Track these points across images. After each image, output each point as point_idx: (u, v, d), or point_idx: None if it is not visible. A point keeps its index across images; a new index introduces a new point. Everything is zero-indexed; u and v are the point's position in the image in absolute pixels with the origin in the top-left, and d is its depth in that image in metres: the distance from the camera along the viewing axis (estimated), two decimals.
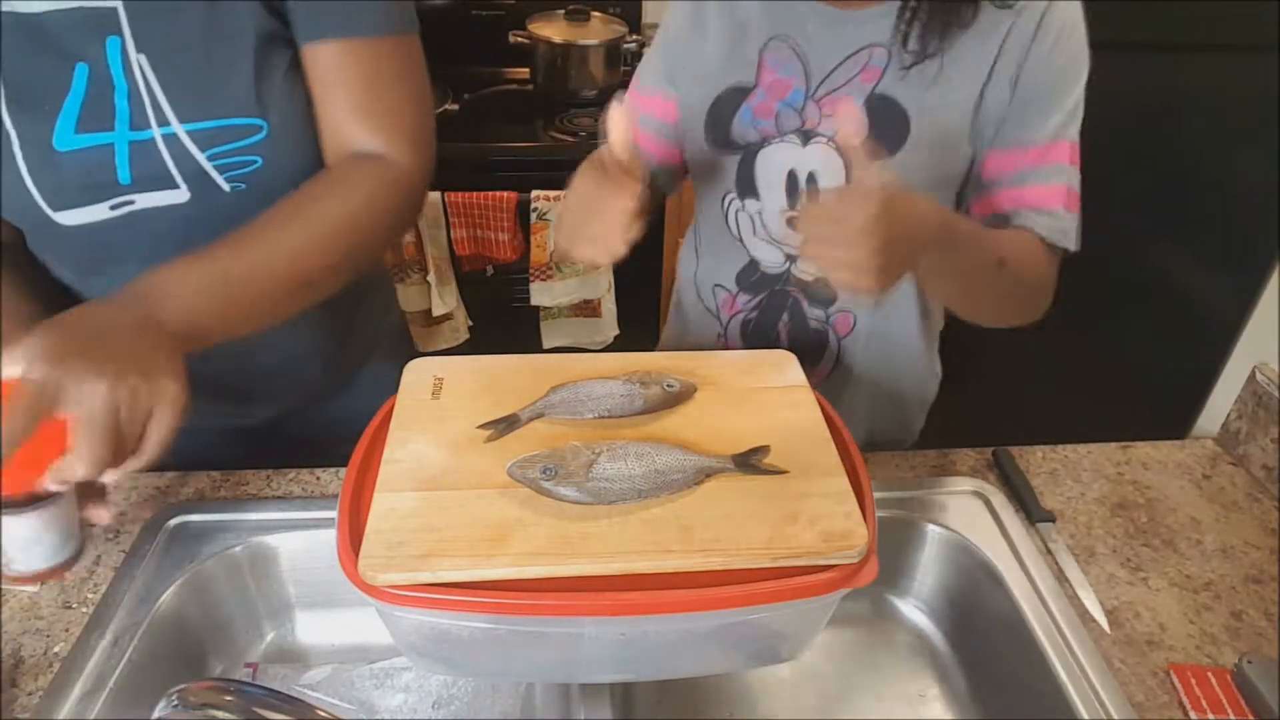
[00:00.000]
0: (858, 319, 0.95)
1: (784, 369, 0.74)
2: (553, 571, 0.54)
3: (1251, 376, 1.00)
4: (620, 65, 2.01)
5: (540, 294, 1.88)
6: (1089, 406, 1.81)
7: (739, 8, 0.88)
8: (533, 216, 1.78)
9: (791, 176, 0.88)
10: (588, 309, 1.95)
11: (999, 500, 0.88)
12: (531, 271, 1.85)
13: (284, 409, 0.97)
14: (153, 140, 0.72)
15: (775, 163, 0.88)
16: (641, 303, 1.99)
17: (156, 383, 0.58)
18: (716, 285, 1.00)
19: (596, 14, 2.02)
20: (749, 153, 0.89)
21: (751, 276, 0.96)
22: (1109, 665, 0.72)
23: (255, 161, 0.75)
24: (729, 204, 0.93)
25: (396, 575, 0.53)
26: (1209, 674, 0.72)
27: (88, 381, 0.55)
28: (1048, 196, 0.82)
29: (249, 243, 0.70)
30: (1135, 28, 1.51)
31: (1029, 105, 0.81)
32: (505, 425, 0.65)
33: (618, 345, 2.02)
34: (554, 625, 0.57)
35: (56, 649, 0.71)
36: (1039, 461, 0.95)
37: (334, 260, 0.75)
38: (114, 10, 0.69)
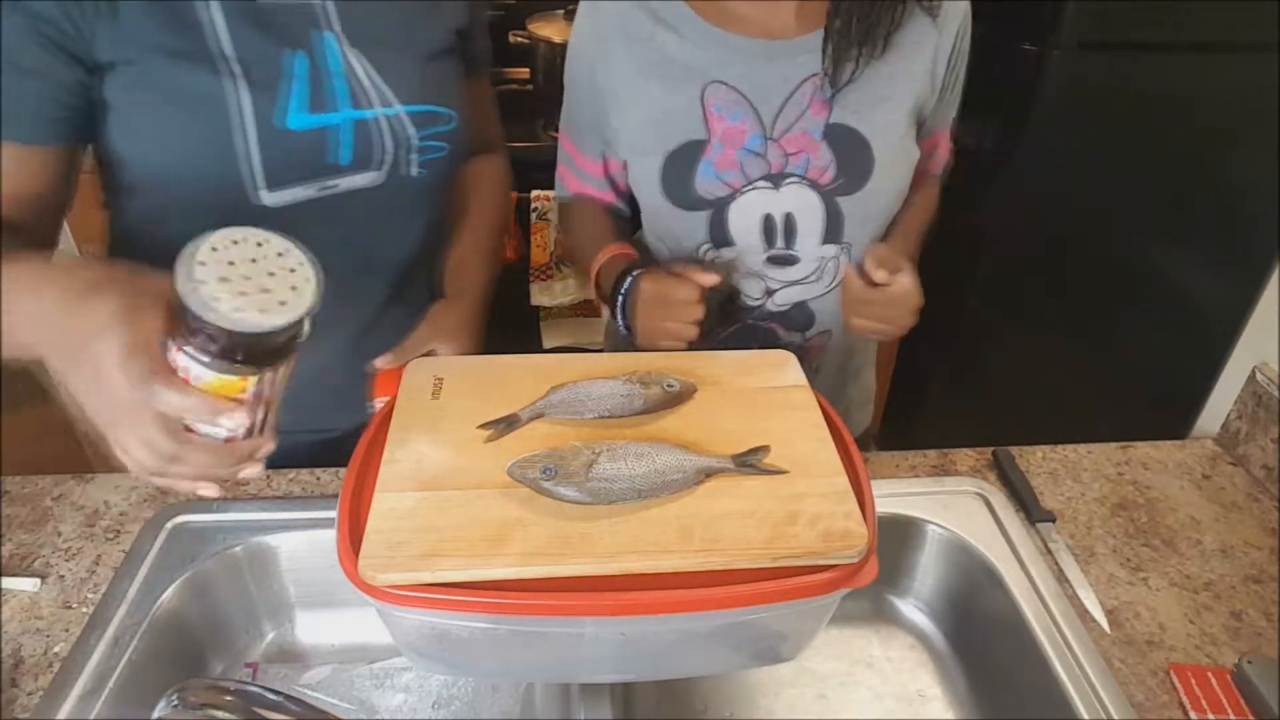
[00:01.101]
0: (833, 334, 0.96)
1: (784, 369, 0.74)
2: (553, 571, 0.54)
3: (1251, 376, 1.00)
4: None
5: (540, 294, 1.88)
6: (1089, 406, 1.81)
7: (665, 56, 0.84)
8: (533, 216, 1.78)
9: (768, 220, 0.87)
10: (588, 309, 1.95)
11: (999, 500, 0.88)
12: (531, 271, 1.85)
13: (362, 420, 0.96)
14: (375, 120, 0.78)
15: (749, 211, 0.87)
16: None
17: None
18: None
19: None
20: (719, 206, 0.87)
21: (728, 305, 0.94)
22: (1109, 665, 0.72)
23: (443, 149, 0.84)
24: (704, 253, 0.91)
25: (396, 575, 0.53)
26: (1209, 674, 0.72)
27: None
28: (946, 152, 0.99)
29: (480, 222, 0.94)
30: (1136, 28, 1.51)
31: (948, 97, 0.90)
32: (505, 425, 0.65)
33: None
34: (554, 625, 0.57)
35: (56, 649, 0.71)
36: (1039, 461, 0.95)
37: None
38: (323, 6, 0.75)
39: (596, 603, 0.54)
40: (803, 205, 0.86)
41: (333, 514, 0.59)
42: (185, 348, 0.49)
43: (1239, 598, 0.79)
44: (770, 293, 0.92)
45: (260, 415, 0.55)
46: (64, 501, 0.86)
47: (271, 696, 0.54)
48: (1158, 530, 0.86)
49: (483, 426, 0.65)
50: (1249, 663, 0.71)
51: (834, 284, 0.92)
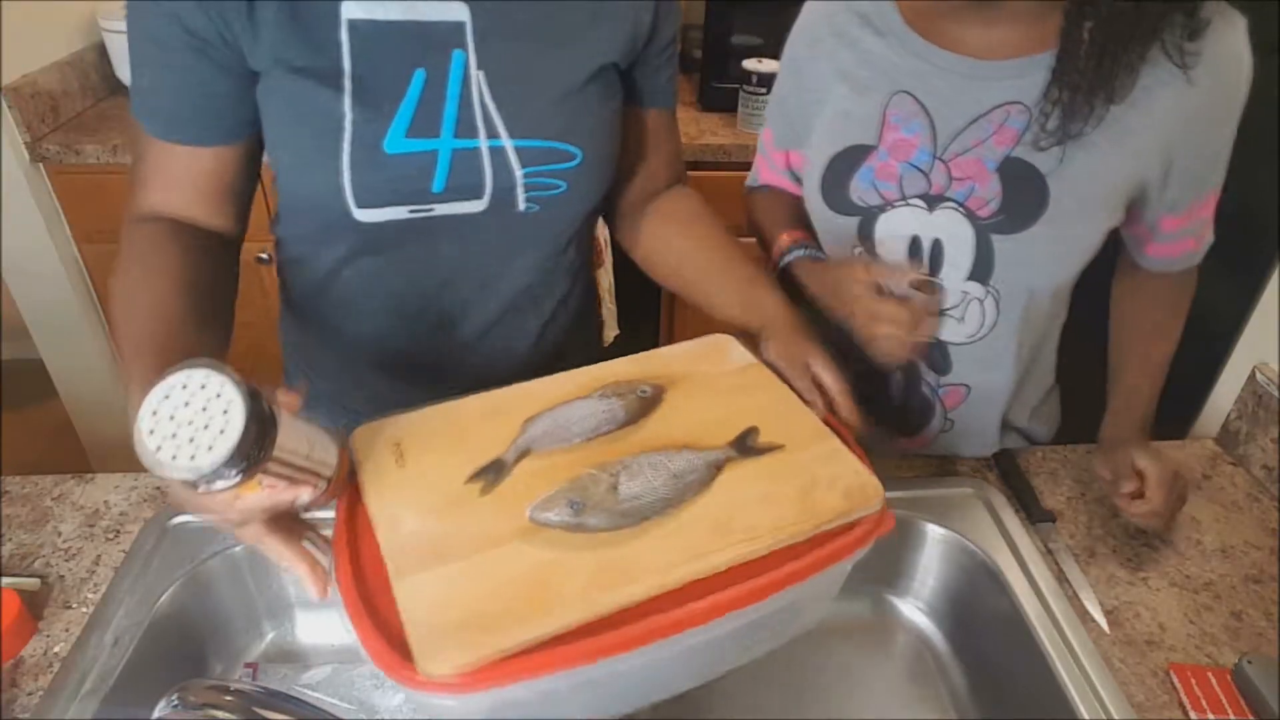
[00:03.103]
0: (971, 391, 0.91)
1: (729, 351, 0.74)
2: (621, 601, 0.52)
3: (1251, 376, 1.00)
4: None
5: None
6: (1089, 406, 1.81)
7: (863, 58, 0.82)
8: None
9: (915, 242, 0.83)
10: None
11: (999, 500, 0.88)
12: None
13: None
14: (477, 150, 0.75)
15: (897, 229, 0.83)
16: (641, 303, 1.99)
17: None
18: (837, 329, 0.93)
19: None
20: (868, 216, 0.84)
21: None
22: (1109, 665, 0.72)
23: (559, 186, 0.80)
24: (856, 254, 0.87)
25: (461, 657, 0.48)
26: (1209, 674, 0.72)
27: None
28: (1195, 244, 0.88)
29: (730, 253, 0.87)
30: None
31: (1192, 168, 0.80)
32: (493, 473, 0.60)
33: (618, 345, 2.02)
34: (639, 655, 0.53)
35: (56, 649, 0.71)
36: (1039, 461, 0.95)
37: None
38: (462, 25, 0.73)
39: (692, 613, 0.52)
40: (954, 234, 0.81)
41: (332, 514, 0.58)
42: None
43: (1239, 598, 0.79)
44: None
45: (305, 478, 0.54)
46: (64, 501, 0.86)
47: (271, 697, 0.54)
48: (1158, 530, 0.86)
49: (471, 480, 0.60)
50: (1249, 663, 0.71)
51: (978, 334, 0.86)
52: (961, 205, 0.80)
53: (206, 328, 0.67)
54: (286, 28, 0.68)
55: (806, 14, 0.88)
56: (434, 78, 0.72)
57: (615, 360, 0.73)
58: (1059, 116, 0.73)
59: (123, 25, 1.93)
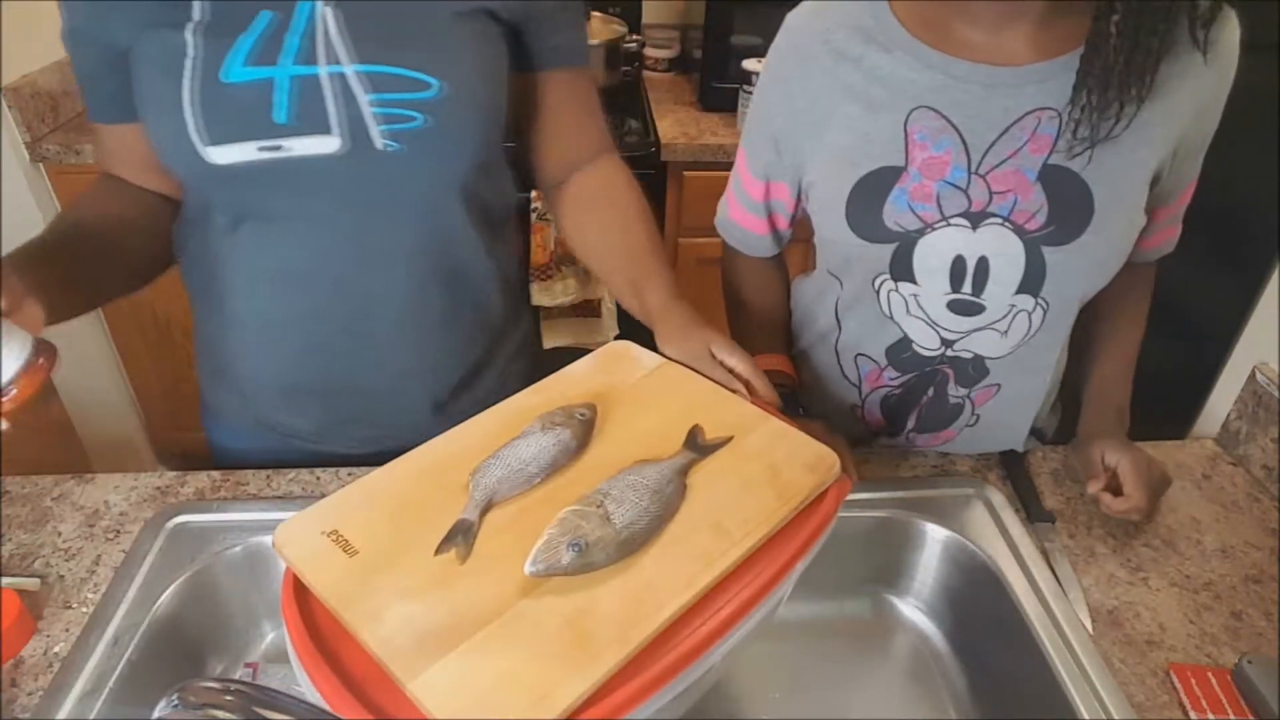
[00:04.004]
0: (1002, 387, 0.89)
1: (635, 357, 0.75)
2: (659, 626, 0.51)
3: (1251, 376, 1.00)
4: (620, 65, 2.01)
5: (540, 294, 1.88)
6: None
7: (872, 76, 0.78)
8: (533, 216, 1.78)
9: (958, 262, 0.79)
10: (588, 309, 1.95)
11: (999, 500, 0.88)
12: (531, 271, 1.85)
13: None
14: (316, 77, 0.73)
15: (939, 250, 0.79)
16: None
17: None
18: (860, 355, 0.91)
19: (596, 14, 2.02)
20: (906, 240, 0.79)
21: (903, 354, 0.88)
22: (1109, 665, 0.72)
23: (415, 119, 0.75)
24: (880, 284, 0.84)
25: None
26: (1209, 674, 0.72)
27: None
28: (1175, 232, 0.89)
29: (628, 227, 0.88)
30: None
31: (1190, 156, 0.80)
32: (463, 536, 0.55)
33: None
34: (693, 671, 0.52)
35: (56, 649, 0.71)
36: (1039, 461, 0.95)
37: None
38: None
39: (724, 617, 0.52)
40: (1001, 250, 0.78)
41: None
42: None
43: (1239, 598, 0.79)
44: (948, 343, 0.85)
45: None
46: (64, 501, 0.86)
47: (271, 697, 0.54)
48: (1158, 530, 0.86)
49: (440, 551, 0.55)
50: (1249, 663, 0.71)
51: (1021, 342, 0.85)
52: (1007, 220, 0.77)
53: (93, 243, 0.79)
54: None
55: (791, 33, 0.83)
56: (280, 14, 0.73)
57: (520, 393, 0.70)
58: (1089, 120, 0.72)
59: None
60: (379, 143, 0.75)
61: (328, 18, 0.73)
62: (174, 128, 0.73)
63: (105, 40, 0.75)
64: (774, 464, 0.62)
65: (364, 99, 0.74)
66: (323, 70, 0.73)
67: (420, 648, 0.48)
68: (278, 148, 0.74)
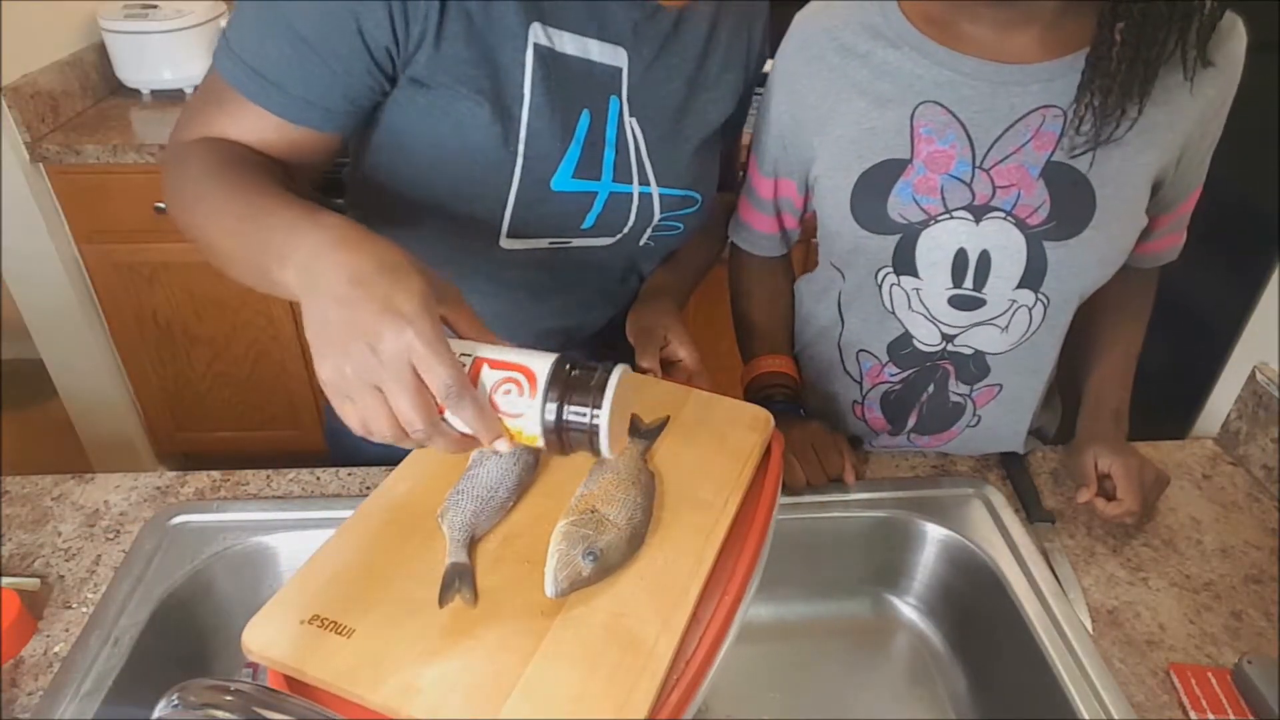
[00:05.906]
0: (1003, 388, 0.90)
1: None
2: (690, 610, 0.51)
3: (1251, 376, 1.00)
4: None
5: None
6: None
7: (880, 71, 0.79)
8: None
9: (960, 255, 0.80)
10: None
11: (999, 500, 0.88)
12: None
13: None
14: (629, 195, 0.80)
15: (942, 243, 0.80)
16: None
17: None
18: (862, 351, 0.92)
19: None
20: (909, 232, 0.80)
21: (904, 349, 0.88)
22: (1109, 665, 0.72)
23: (678, 229, 0.86)
24: (883, 278, 0.85)
25: None
26: (1209, 674, 0.72)
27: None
28: (1179, 239, 0.90)
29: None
30: None
31: (1194, 163, 0.81)
32: (460, 580, 0.52)
33: None
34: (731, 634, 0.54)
35: (56, 649, 0.71)
36: (1039, 461, 0.95)
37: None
38: (619, 71, 0.76)
39: (739, 581, 0.54)
40: (1003, 244, 0.79)
41: (333, 514, 0.58)
42: (568, 406, 0.49)
43: (1239, 598, 0.79)
44: (948, 338, 0.86)
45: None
46: (64, 501, 0.86)
47: (271, 697, 0.54)
48: (1158, 530, 0.86)
49: (445, 602, 0.52)
50: (1249, 663, 0.71)
51: (1022, 339, 0.85)
52: (1010, 214, 0.78)
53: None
54: (473, 45, 0.67)
55: (799, 30, 0.84)
56: (596, 120, 0.74)
57: None
58: (1092, 121, 0.73)
59: (122, 25, 1.93)
60: (642, 242, 0.85)
61: (636, 133, 0.79)
62: (483, 214, 0.72)
63: (390, 58, 0.66)
64: (718, 431, 0.65)
65: (658, 216, 0.83)
66: (635, 190, 0.80)
67: (474, 703, 0.45)
68: (568, 244, 0.80)
